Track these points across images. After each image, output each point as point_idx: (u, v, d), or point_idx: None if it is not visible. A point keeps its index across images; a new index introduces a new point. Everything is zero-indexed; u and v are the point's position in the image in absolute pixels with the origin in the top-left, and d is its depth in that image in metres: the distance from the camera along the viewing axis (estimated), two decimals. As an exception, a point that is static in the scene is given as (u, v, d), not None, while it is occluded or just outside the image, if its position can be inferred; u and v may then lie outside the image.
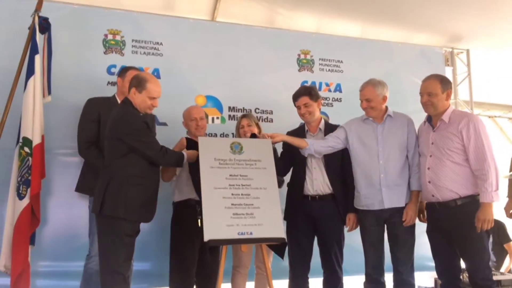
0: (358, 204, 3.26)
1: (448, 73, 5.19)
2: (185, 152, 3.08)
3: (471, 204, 2.88)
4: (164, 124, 4.00)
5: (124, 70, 3.45)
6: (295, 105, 3.45)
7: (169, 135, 3.69)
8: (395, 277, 3.23)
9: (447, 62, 5.35)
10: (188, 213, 3.28)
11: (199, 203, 3.23)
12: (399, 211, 3.15)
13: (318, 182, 3.31)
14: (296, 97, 3.43)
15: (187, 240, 3.26)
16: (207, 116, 4.11)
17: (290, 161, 3.46)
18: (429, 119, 3.12)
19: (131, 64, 3.93)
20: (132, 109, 2.98)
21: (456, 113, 3.04)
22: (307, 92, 3.41)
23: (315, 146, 3.25)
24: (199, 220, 3.13)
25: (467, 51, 5.47)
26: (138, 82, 2.98)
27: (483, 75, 5.48)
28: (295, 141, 3.27)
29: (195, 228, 3.15)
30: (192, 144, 3.29)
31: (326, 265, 3.34)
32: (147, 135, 2.99)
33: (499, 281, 3.29)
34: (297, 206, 3.32)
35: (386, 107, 3.31)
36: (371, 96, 3.22)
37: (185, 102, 3.74)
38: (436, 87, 3.00)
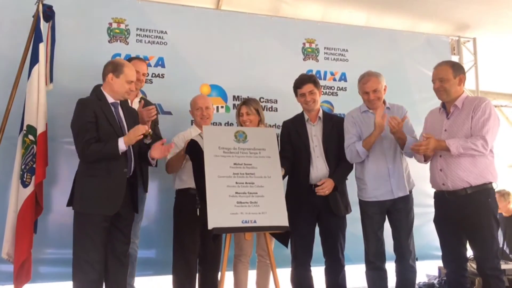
0: (365, 196, 3.30)
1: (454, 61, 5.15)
2: (121, 139, 2.87)
3: (482, 193, 2.88)
4: (169, 113, 4.00)
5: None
6: (297, 93, 3.42)
7: (174, 124, 3.70)
8: (398, 263, 3.28)
9: (453, 51, 5.29)
10: (188, 202, 3.28)
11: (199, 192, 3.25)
12: (402, 199, 3.22)
13: (321, 171, 3.31)
14: (300, 84, 3.40)
15: (187, 228, 3.27)
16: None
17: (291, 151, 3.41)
18: (443, 106, 3.09)
19: (136, 53, 3.96)
20: (84, 99, 2.97)
21: (470, 99, 3.03)
22: (312, 80, 3.41)
23: None
24: (198, 210, 3.17)
25: (474, 39, 5.42)
26: (115, 67, 2.98)
27: (489, 64, 5.42)
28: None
29: (195, 217, 3.17)
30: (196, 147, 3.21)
31: (329, 254, 3.35)
32: (76, 129, 2.92)
33: (503, 270, 3.28)
34: (301, 195, 3.30)
35: (384, 99, 3.34)
36: (378, 87, 3.24)
37: (189, 91, 3.74)
38: (447, 73, 2.98)
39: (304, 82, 3.38)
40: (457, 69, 3.04)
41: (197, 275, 3.36)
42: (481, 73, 5.40)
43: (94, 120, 2.88)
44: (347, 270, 3.40)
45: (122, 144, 2.85)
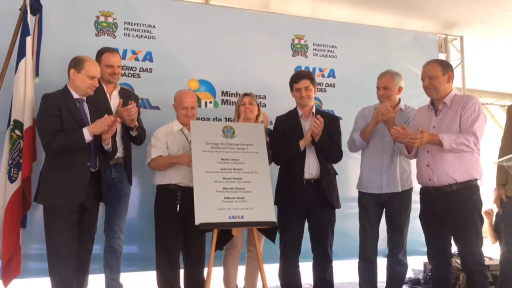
0: (361, 186, 3.46)
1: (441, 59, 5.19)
2: (85, 128, 2.89)
3: (467, 190, 2.92)
4: (157, 108, 3.99)
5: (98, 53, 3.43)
6: (293, 88, 3.43)
7: (161, 119, 3.67)
8: (390, 258, 3.40)
9: (441, 48, 5.34)
10: (168, 198, 3.27)
11: (180, 188, 3.25)
12: (396, 195, 3.31)
13: (313, 166, 3.33)
14: (297, 78, 3.41)
15: (169, 224, 3.25)
16: (199, 101, 4.10)
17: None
18: (432, 103, 3.14)
19: (123, 47, 3.93)
20: (49, 93, 2.99)
21: (458, 97, 3.08)
22: (309, 76, 3.44)
23: None
24: (178, 205, 3.18)
25: (461, 37, 5.46)
26: (76, 63, 3.00)
27: (476, 62, 5.48)
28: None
29: (176, 213, 3.18)
30: None
31: (318, 249, 3.38)
32: (41, 123, 2.96)
33: (487, 266, 3.33)
34: (293, 190, 3.31)
35: (399, 99, 3.43)
36: (390, 86, 3.36)
37: (177, 86, 3.71)
38: (436, 70, 3.03)
39: (302, 77, 3.41)
40: (446, 66, 3.09)
41: (182, 270, 3.35)
42: (468, 71, 5.45)
43: (58, 114, 2.91)
44: (334, 266, 3.43)
45: (87, 134, 2.87)
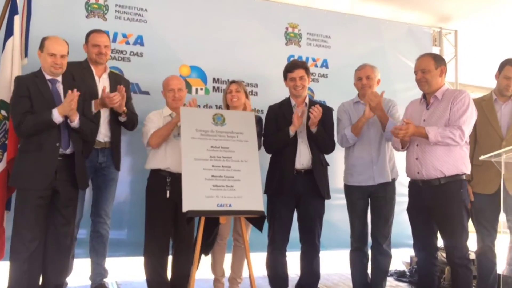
0: (350, 180, 3.43)
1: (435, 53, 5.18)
2: (55, 109, 2.84)
3: (455, 184, 2.93)
4: (147, 93, 3.93)
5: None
6: (287, 77, 3.41)
7: (151, 104, 3.64)
8: (374, 248, 3.42)
9: (435, 42, 5.34)
10: (159, 183, 3.25)
11: (170, 174, 3.23)
12: (384, 187, 3.34)
13: (304, 156, 3.32)
14: (292, 68, 3.40)
15: (159, 210, 3.24)
16: (190, 87, 4.06)
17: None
18: (424, 97, 3.14)
19: (114, 30, 3.86)
20: (19, 76, 3.00)
21: (450, 91, 3.08)
22: (303, 66, 3.43)
23: None
24: (168, 191, 3.16)
25: (455, 32, 5.46)
26: (40, 43, 3.00)
27: (469, 57, 5.47)
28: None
29: (166, 198, 3.16)
30: None
31: (306, 239, 3.38)
32: (11, 105, 2.96)
33: (472, 260, 3.36)
34: (284, 180, 3.30)
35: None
36: (372, 76, 3.38)
37: (168, 72, 3.66)
38: (429, 64, 3.02)
39: (296, 67, 3.39)
40: (439, 60, 3.08)
41: (170, 257, 3.34)
42: (461, 66, 5.46)
43: (27, 94, 2.88)
44: (321, 256, 3.44)
45: (56, 114, 2.83)
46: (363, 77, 3.39)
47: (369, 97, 3.20)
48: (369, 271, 3.50)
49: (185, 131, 3.07)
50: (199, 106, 4.03)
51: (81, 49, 3.40)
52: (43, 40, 2.99)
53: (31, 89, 2.88)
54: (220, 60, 4.23)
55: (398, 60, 4.76)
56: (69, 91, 2.84)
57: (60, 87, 3.00)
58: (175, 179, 3.16)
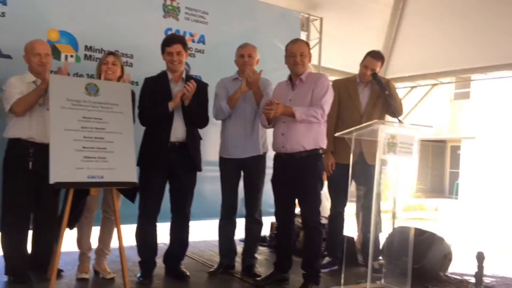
0: (225, 153, 3.66)
1: (302, 38, 5.59)
2: None
3: (312, 157, 3.30)
4: (8, 56, 3.62)
5: None
6: (164, 51, 3.41)
7: (13, 68, 3.37)
8: (248, 217, 3.73)
9: (303, 27, 5.76)
10: (19, 154, 3.11)
11: (34, 144, 3.10)
12: (256, 160, 3.62)
13: (179, 129, 3.40)
14: (169, 42, 3.41)
15: (18, 182, 3.10)
16: (59, 53, 3.84)
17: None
18: (290, 79, 3.45)
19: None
20: None
21: (312, 74, 3.47)
22: (182, 41, 3.46)
23: None
24: (30, 163, 3.06)
25: (321, 19, 5.94)
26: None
27: (331, 43, 6.01)
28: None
29: (27, 171, 3.05)
30: None
31: (177, 209, 3.51)
32: None
33: (323, 224, 3.86)
34: (158, 152, 3.34)
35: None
36: (253, 55, 3.62)
37: (34, 35, 3.39)
38: (306, 49, 3.40)
39: (174, 41, 3.41)
40: (309, 47, 3.50)
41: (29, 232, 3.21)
42: (324, 51, 5.99)
43: None
44: (190, 225, 3.62)
45: None
46: (245, 54, 3.60)
47: (248, 73, 3.42)
48: (236, 237, 3.80)
49: (55, 100, 2.94)
50: (68, 74, 3.87)
51: None
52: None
53: None
54: (94, 27, 4.05)
55: (269, 41, 5.03)
56: None
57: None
58: (40, 149, 3.04)
